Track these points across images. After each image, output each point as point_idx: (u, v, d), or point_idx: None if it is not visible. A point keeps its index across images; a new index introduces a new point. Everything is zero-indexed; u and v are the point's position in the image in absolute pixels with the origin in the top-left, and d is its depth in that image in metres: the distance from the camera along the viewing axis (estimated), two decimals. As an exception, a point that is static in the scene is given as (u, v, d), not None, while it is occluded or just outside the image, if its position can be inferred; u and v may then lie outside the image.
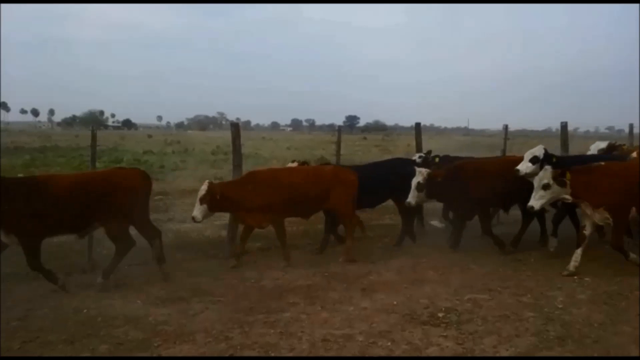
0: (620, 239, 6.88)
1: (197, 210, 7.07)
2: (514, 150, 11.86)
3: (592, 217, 6.86)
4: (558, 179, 6.69)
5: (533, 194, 6.83)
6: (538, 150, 7.84)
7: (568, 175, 6.70)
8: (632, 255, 6.89)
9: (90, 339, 4.96)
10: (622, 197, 6.74)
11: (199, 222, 7.23)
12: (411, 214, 8.70)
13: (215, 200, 7.06)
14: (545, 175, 6.75)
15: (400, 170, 8.41)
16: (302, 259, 7.74)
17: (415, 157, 9.59)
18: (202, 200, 7.05)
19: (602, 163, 7.15)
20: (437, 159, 9.38)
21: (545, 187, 6.73)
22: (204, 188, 7.07)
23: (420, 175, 7.75)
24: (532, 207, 6.80)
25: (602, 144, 11.07)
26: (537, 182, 6.81)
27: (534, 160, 7.73)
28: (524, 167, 7.71)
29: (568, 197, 6.82)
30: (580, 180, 6.76)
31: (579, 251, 6.87)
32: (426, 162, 9.25)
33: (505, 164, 8.09)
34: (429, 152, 9.76)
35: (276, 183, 7.49)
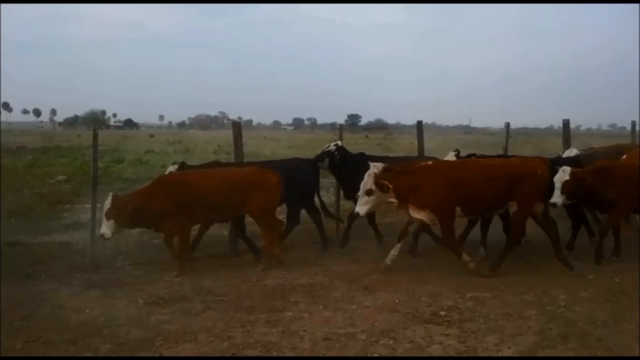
0: (448, 237, 6.85)
1: (105, 226, 6.65)
2: (517, 148, 11.87)
3: (421, 219, 6.81)
4: (379, 183, 6.56)
5: (358, 200, 6.74)
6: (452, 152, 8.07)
7: (389, 178, 6.60)
8: (465, 257, 6.81)
9: (92, 339, 4.95)
10: (445, 197, 6.66)
11: (108, 238, 6.76)
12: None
13: (124, 213, 6.68)
14: (369, 180, 6.59)
15: (296, 173, 8.04)
16: (304, 257, 7.73)
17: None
18: (108, 216, 6.63)
19: (429, 162, 7.11)
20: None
21: (369, 193, 6.60)
22: (108, 202, 6.68)
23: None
24: (358, 213, 6.70)
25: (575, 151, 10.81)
26: (361, 187, 6.67)
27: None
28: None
29: (393, 200, 6.74)
30: (404, 182, 6.67)
31: (398, 245, 6.92)
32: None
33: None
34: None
35: (186, 188, 7.05)
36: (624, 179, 7.02)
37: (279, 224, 7.67)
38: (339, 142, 9.10)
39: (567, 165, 7.24)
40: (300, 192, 8.11)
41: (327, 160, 8.71)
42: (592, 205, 7.50)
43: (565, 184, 6.81)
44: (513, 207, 6.87)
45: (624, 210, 7.23)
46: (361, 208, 6.66)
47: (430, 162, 7.15)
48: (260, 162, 8.68)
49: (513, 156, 7.93)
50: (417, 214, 6.78)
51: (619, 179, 7.02)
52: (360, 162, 8.19)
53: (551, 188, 6.89)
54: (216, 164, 8.84)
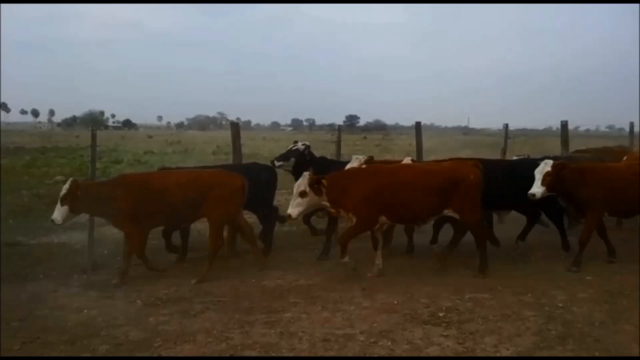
0: (346, 238, 6.68)
1: (57, 212, 6.41)
2: (515, 149, 11.88)
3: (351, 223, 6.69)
4: (314, 186, 6.47)
5: (291, 202, 6.61)
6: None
7: (322, 181, 6.50)
8: (347, 259, 6.70)
9: (90, 339, 4.95)
10: (367, 202, 6.54)
11: (59, 224, 6.59)
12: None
13: (78, 200, 6.43)
14: (302, 182, 6.51)
15: (253, 176, 7.53)
16: (302, 258, 7.73)
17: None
18: (63, 201, 6.39)
19: (362, 167, 7.02)
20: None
21: (302, 194, 6.49)
22: (65, 187, 6.44)
23: None
24: (290, 215, 6.54)
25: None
26: (294, 189, 6.61)
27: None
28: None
29: (327, 204, 6.65)
30: (335, 186, 6.59)
31: (378, 253, 6.89)
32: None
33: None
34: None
35: (146, 189, 6.76)
36: (595, 182, 6.96)
37: (247, 228, 7.34)
38: (307, 142, 8.89)
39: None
40: (257, 197, 7.61)
41: (293, 159, 8.47)
42: (569, 202, 7.45)
43: (546, 176, 6.79)
44: (453, 215, 6.83)
45: (596, 214, 7.04)
46: (293, 210, 6.52)
47: (363, 167, 6.98)
48: (218, 166, 8.44)
49: (448, 160, 7.69)
50: (347, 218, 6.72)
51: (591, 182, 6.95)
52: (323, 166, 8.12)
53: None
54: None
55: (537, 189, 6.80)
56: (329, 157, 9.62)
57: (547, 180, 6.81)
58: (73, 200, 6.41)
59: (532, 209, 7.85)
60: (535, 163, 7.42)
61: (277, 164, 8.40)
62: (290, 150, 8.59)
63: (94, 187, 6.77)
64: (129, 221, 6.67)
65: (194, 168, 8.33)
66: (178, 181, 6.94)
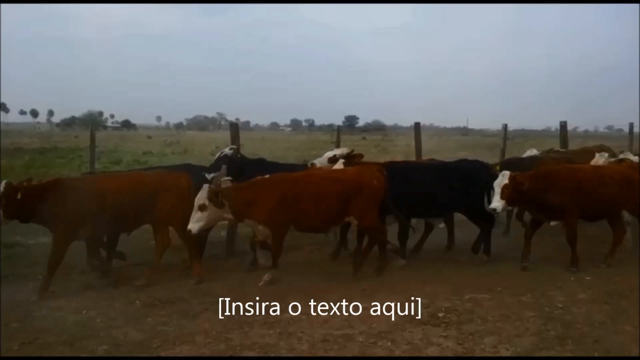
0: (277, 250, 6.59)
1: None
2: (514, 149, 11.87)
3: (260, 234, 6.61)
4: (214, 199, 6.18)
5: (191, 217, 6.22)
6: (339, 151, 7.69)
7: (224, 193, 6.26)
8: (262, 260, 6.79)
9: (89, 340, 4.94)
10: (277, 212, 6.41)
11: None
12: None
13: (14, 203, 5.94)
14: (202, 195, 6.20)
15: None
16: (301, 258, 7.73)
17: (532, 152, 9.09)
18: None
19: (266, 177, 6.68)
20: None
21: (202, 208, 6.19)
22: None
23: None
24: (190, 231, 6.22)
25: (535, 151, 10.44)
26: (195, 203, 6.23)
27: (332, 161, 7.53)
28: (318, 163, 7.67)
29: (230, 217, 6.45)
30: (240, 197, 6.38)
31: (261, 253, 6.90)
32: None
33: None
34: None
35: (85, 193, 6.37)
36: (564, 185, 6.87)
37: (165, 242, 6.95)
38: (234, 146, 8.45)
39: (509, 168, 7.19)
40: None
41: (224, 167, 7.84)
42: (536, 211, 7.24)
43: (504, 189, 6.64)
44: (353, 221, 6.79)
45: (573, 214, 6.93)
46: (194, 225, 6.19)
47: (266, 176, 6.71)
48: (147, 168, 8.27)
49: (357, 163, 7.61)
50: (256, 230, 6.60)
51: (559, 185, 6.85)
52: (261, 168, 7.62)
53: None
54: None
55: (496, 203, 6.67)
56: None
57: (505, 193, 6.64)
58: (8, 204, 5.90)
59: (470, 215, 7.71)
60: (473, 165, 7.56)
61: (208, 177, 7.56)
62: (218, 158, 8.05)
63: (31, 190, 6.16)
64: (62, 228, 6.24)
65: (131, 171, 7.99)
66: (119, 185, 6.59)
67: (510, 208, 7.16)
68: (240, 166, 7.84)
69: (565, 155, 9.64)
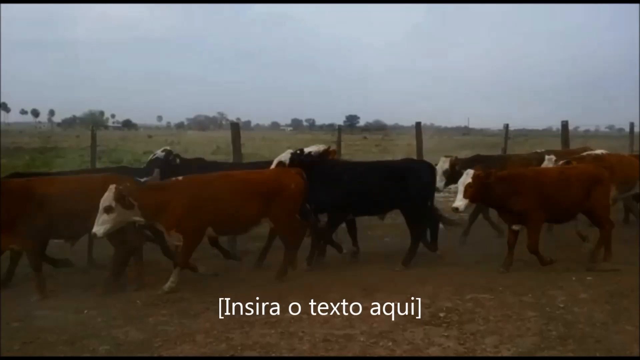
0: (185, 257, 6.35)
1: None
2: (515, 149, 11.85)
3: (169, 240, 6.42)
4: (122, 200, 5.87)
5: (96, 219, 5.86)
6: (284, 156, 7.31)
7: (133, 194, 5.95)
8: (202, 269, 6.58)
9: (90, 340, 4.94)
10: (191, 216, 6.17)
11: None
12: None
13: None
14: (108, 196, 5.85)
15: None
16: (301, 258, 7.71)
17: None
18: None
19: (179, 178, 6.46)
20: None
21: (108, 210, 5.84)
22: None
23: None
24: (95, 234, 5.90)
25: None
26: (100, 204, 5.88)
27: (279, 166, 7.27)
28: None
29: (140, 219, 6.13)
30: (150, 199, 6.10)
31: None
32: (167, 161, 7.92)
33: None
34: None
35: (28, 196, 6.09)
36: (527, 188, 6.77)
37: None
38: (168, 147, 8.27)
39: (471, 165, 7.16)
40: None
41: (156, 170, 7.54)
42: (500, 212, 7.20)
43: (467, 187, 6.56)
44: (270, 224, 6.72)
45: (537, 219, 6.86)
46: (99, 228, 5.83)
47: (180, 178, 6.49)
48: (82, 170, 8.16)
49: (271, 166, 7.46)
50: (167, 234, 6.35)
51: (522, 188, 6.75)
52: (199, 169, 7.55)
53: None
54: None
55: (459, 202, 6.59)
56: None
57: (469, 192, 6.55)
58: None
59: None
60: (416, 165, 7.53)
61: (142, 181, 7.18)
62: (150, 162, 7.87)
63: None
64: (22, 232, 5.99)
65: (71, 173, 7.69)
66: (63, 189, 6.31)
67: (474, 205, 7.16)
68: (176, 168, 7.60)
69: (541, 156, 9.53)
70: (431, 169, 7.75)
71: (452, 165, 8.49)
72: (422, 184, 7.43)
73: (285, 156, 7.33)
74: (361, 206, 7.49)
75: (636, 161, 8.62)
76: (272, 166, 7.33)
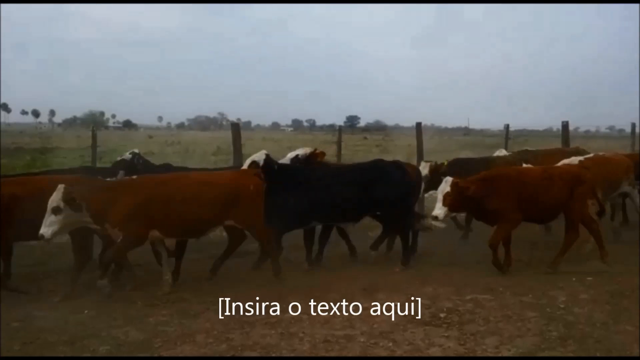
0: (118, 254, 6.14)
1: None
2: (516, 149, 11.81)
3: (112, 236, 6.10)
4: (70, 201, 5.64)
5: (44, 220, 5.67)
6: (258, 156, 7.07)
7: (81, 195, 5.73)
8: (102, 282, 6.12)
9: (90, 340, 4.94)
10: (135, 217, 5.97)
11: None
12: None
13: None
14: (55, 197, 5.64)
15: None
16: (301, 258, 7.70)
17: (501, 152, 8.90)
18: None
19: (132, 178, 6.38)
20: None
21: (55, 211, 5.63)
22: None
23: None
24: (42, 236, 5.66)
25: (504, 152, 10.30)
26: (49, 205, 5.68)
27: (252, 167, 7.02)
28: None
29: (89, 220, 5.89)
30: (99, 199, 5.88)
31: (165, 268, 6.40)
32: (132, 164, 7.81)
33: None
34: None
35: None
36: (505, 190, 6.72)
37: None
38: (136, 150, 8.17)
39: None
40: None
41: (121, 172, 7.49)
42: (479, 217, 7.17)
43: (446, 196, 6.50)
44: (237, 225, 6.54)
45: (509, 222, 6.79)
46: (46, 230, 5.62)
47: (132, 178, 6.39)
48: (40, 172, 8.03)
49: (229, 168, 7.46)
50: (113, 235, 6.08)
51: (500, 190, 6.71)
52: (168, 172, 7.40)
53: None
54: None
55: (438, 210, 6.54)
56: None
57: (448, 200, 6.50)
58: None
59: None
60: (387, 166, 7.30)
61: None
62: (116, 163, 7.79)
63: None
64: None
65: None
66: (26, 190, 6.18)
67: (453, 214, 7.02)
68: (142, 171, 7.48)
69: (533, 156, 9.42)
70: (401, 169, 7.49)
71: (432, 170, 8.38)
72: (394, 184, 7.20)
73: (259, 156, 7.09)
74: (325, 212, 7.14)
75: (623, 161, 8.48)
76: (245, 166, 7.11)
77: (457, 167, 8.17)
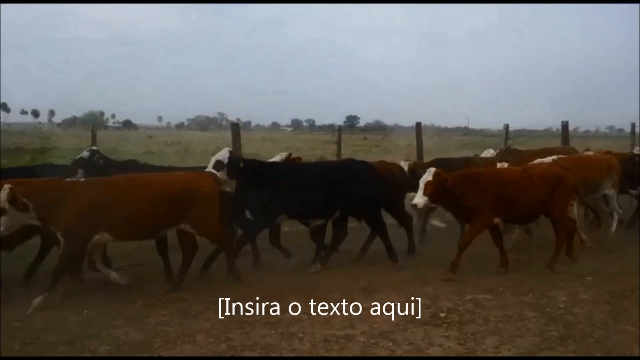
0: (66, 264, 5.95)
1: None
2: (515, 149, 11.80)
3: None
4: (15, 202, 5.49)
5: None
6: (222, 155, 6.87)
7: (28, 195, 5.57)
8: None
9: (90, 340, 4.94)
10: (83, 220, 5.76)
11: None
12: None
13: None
14: (1, 197, 5.49)
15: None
16: (301, 258, 7.72)
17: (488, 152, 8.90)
18: None
19: (81, 180, 6.18)
20: None
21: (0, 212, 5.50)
22: None
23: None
24: None
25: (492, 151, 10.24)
26: None
27: (217, 166, 6.81)
28: None
29: (36, 222, 5.74)
30: (47, 200, 5.71)
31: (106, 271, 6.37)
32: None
33: None
34: None
35: None
36: (482, 188, 6.70)
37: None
38: (95, 147, 7.98)
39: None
40: None
41: (80, 171, 7.32)
42: (456, 213, 7.18)
43: (427, 185, 6.50)
44: (188, 229, 6.32)
45: (483, 221, 6.74)
46: None
47: (81, 180, 6.20)
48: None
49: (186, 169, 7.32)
50: (58, 234, 5.86)
51: (478, 188, 6.69)
52: (128, 171, 7.26)
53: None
54: None
55: (419, 199, 6.53)
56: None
57: (428, 189, 6.50)
58: None
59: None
60: (355, 165, 7.26)
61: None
62: (75, 161, 7.58)
63: None
64: None
65: None
66: None
67: (433, 205, 7.04)
68: (103, 169, 7.35)
69: (520, 155, 9.37)
70: (370, 169, 7.49)
71: (411, 170, 8.34)
72: (360, 184, 7.16)
73: (222, 154, 6.90)
74: (292, 209, 7.10)
75: (603, 161, 8.30)
76: (209, 165, 6.89)
77: (436, 167, 8.15)
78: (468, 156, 9.84)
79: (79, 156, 7.68)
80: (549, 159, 8.14)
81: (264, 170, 7.16)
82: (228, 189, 6.78)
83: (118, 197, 5.99)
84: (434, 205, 7.15)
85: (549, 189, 6.88)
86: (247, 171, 6.92)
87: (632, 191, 9.02)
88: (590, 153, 9.32)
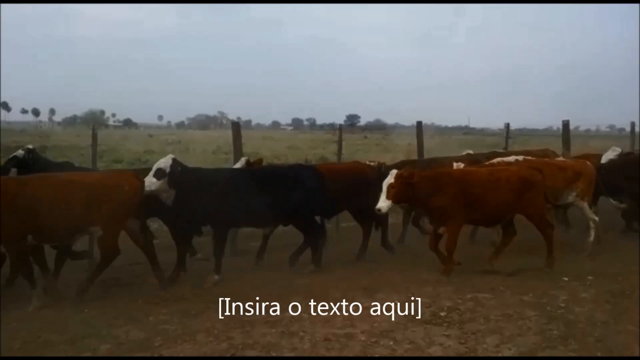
0: (14, 275, 5.95)
1: None
2: (516, 148, 11.81)
3: None
4: None
5: None
6: (164, 162, 6.48)
7: None
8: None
9: (91, 339, 4.94)
10: (10, 222, 5.50)
11: None
12: None
13: None
14: None
15: None
16: (302, 258, 7.71)
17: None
18: None
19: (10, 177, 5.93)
20: None
21: None
22: None
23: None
24: None
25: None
26: None
27: (159, 174, 6.41)
28: (147, 182, 6.32)
29: None
30: None
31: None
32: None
33: None
34: None
35: None
36: (449, 189, 6.65)
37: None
38: (30, 146, 7.74)
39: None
40: None
41: (13, 170, 7.14)
42: (427, 214, 7.13)
43: (389, 188, 6.45)
44: (97, 230, 5.98)
45: (457, 221, 6.73)
46: None
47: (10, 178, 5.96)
48: None
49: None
50: None
51: (445, 189, 6.64)
52: (63, 170, 7.05)
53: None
54: None
55: (382, 203, 6.47)
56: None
57: (391, 192, 6.44)
58: None
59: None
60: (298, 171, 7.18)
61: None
62: (8, 160, 7.36)
63: None
64: None
65: None
66: None
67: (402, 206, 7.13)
68: (37, 169, 7.07)
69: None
70: (317, 174, 7.31)
71: (375, 171, 8.13)
72: (306, 190, 6.99)
73: (165, 161, 6.51)
74: (225, 216, 6.79)
75: (567, 168, 7.87)
76: (151, 173, 6.49)
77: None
78: (435, 157, 9.80)
79: (12, 155, 7.49)
80: (511, 158, 8.02)
81: (202, 176, 6.86)
82: (166, 197, 6.48)
83: (36, 197, 5.66)
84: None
85: (515, 191, 6.78)
86: (184, 177, 6.55)
87: (612, 200, 8.25)
88: (560, 159, 8.99)
